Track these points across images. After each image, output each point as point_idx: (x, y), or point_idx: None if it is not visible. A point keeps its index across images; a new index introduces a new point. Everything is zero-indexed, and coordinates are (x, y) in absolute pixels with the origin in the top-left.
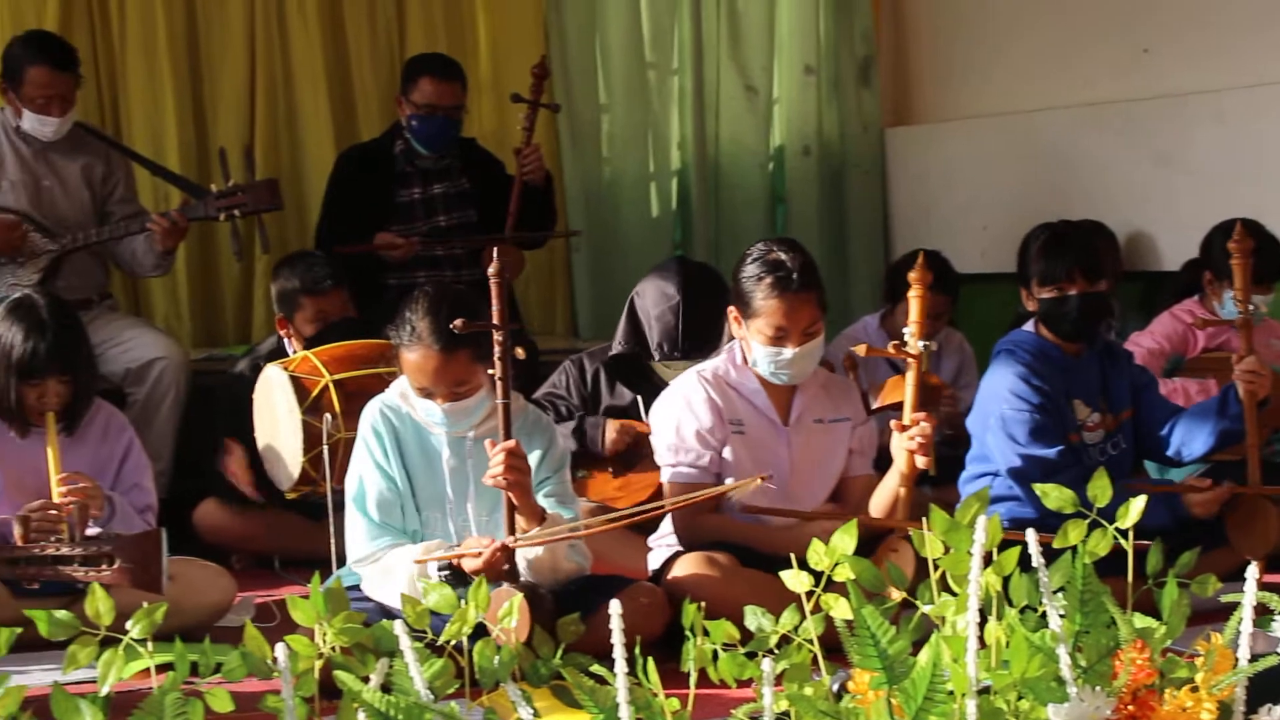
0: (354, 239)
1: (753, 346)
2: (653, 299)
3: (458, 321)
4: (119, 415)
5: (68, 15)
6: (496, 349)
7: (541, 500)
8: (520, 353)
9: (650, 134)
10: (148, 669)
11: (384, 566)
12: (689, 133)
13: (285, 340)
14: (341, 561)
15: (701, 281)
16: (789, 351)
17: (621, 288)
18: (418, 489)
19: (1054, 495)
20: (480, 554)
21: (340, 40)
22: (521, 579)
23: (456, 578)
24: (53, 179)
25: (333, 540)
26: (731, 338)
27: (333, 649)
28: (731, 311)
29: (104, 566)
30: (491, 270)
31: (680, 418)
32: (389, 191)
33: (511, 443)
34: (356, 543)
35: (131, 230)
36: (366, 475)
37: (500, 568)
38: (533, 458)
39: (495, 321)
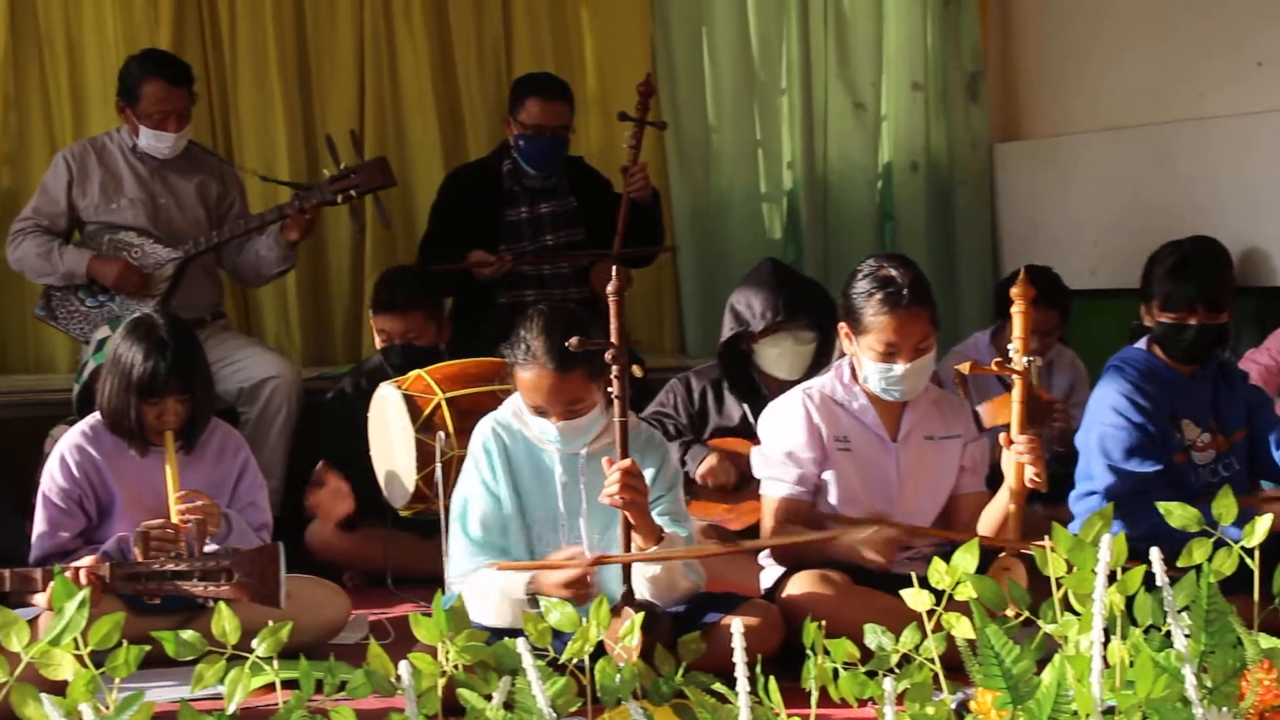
0: (458, 257)
1: (863, 363)
2: (746, 282)
3: (573, 340)
4: (235, 434)
5: (180, 38)
6: (614, 367)
7: (656, 518)
8: (639, 370)
9: (758, 152)
10: (271, 686)
11: (476, 585)
12: (797, 150)
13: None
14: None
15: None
16: (900, 368)
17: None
18: (529, 508)
19: (1178, 514)
20: (562, 564)
21: (448, 60)
22: (638, 598)
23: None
24: (169, 196)
25: (445, 558)
26: (841, 354)
27: (455, 667)
28: (842, 328)
29: (223, 581)
30: (610, 288)
31: (779, 434)
32: (497, 211)
33: (628, 461)
34: (457, 561)
35: (251, 226)
36: (471, 494)
37: (587, 588)
38: (646, 475)
39: (613, 340)
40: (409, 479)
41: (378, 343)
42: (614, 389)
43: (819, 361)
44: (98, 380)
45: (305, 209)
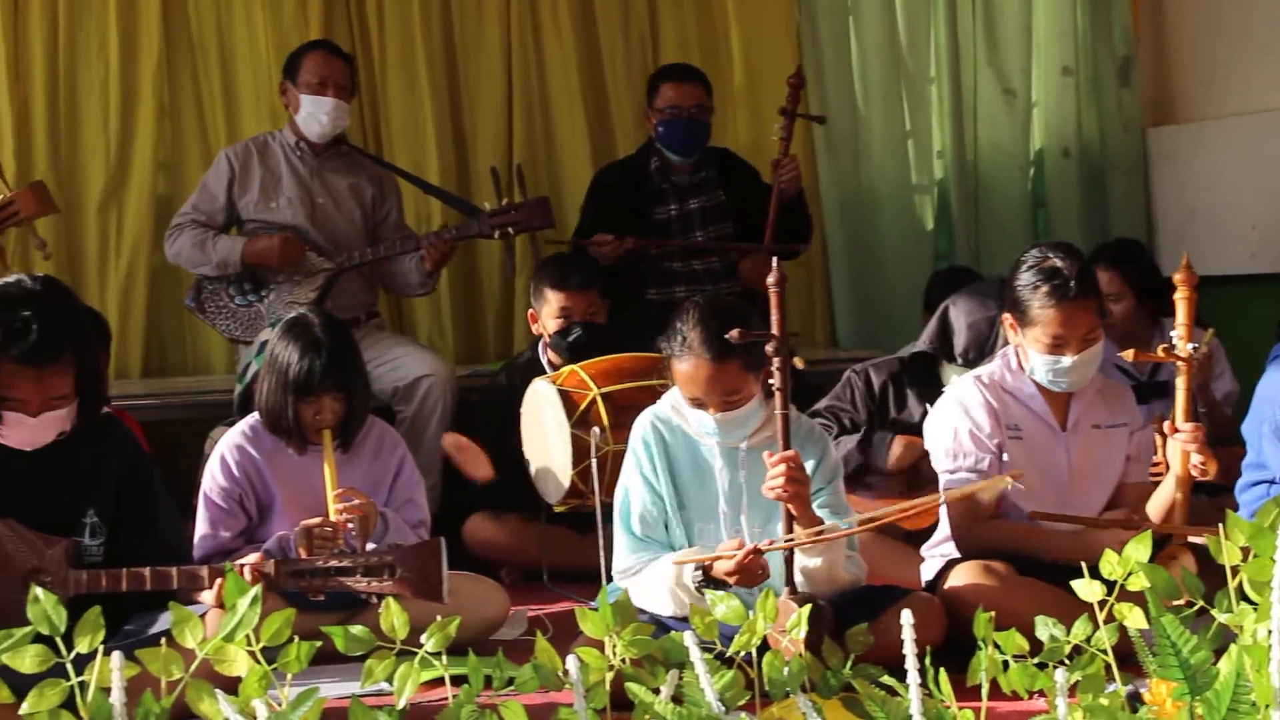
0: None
1: (1029, 354)
2: (968, 308)
3: (734, 332)
4: (392, 432)
5: (328, 38)
6: (776, 359)
7: (817, 510)
8: (799, 362)
9: (908, 142)
10: (439, 681)
11: (644, 578)
12: (947, 139)
13: (539, 347)
14: (610, 575)
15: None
16: (1068, 360)
17: (881, 297)
18: (689, 501)
19: None
20: (733, 556)
21: (595, 58)
22: (799, 590)
23: (713, 586)
24: (326, 196)
25: (601, 553)
26: (1006, 342)
27: (623, 660)
28: (1006, 319)
29: (386, 577)
30: (771, 280)
31: (957, 421)
32: (646, 208)
33: (791, 453)
34: (619, 556)
35: (406, 249)
36: (632, 489)
37: (754, 572)
38: (806, 468)
39: (774, 331)
40: (564, 474)
41: (551, 325)
42: (775, 381)
43: None
44: (258, 380)
45: (443, 241)
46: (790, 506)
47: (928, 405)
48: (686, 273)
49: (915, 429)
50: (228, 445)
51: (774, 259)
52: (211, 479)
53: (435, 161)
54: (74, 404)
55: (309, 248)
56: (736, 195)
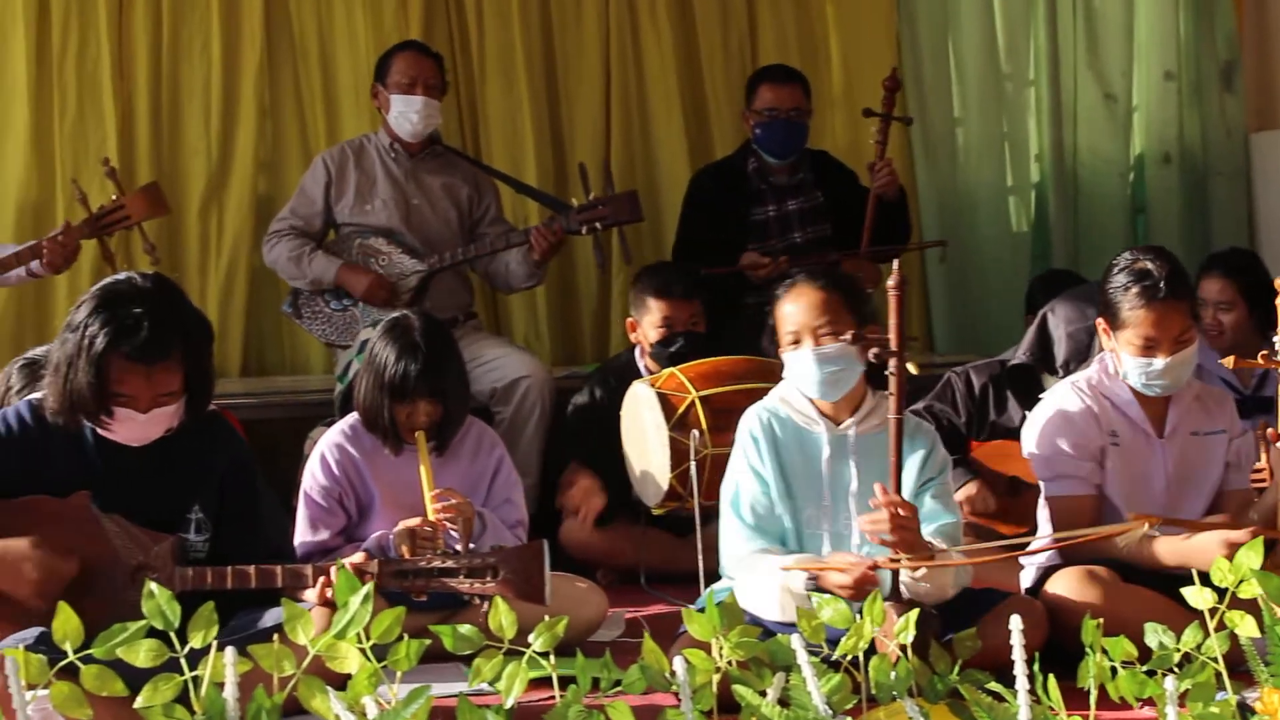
0: (711, 257)
1: (1122, 358)
2: (1066, 316)
3: (847, 335)
4: (490, 432)
5: (428, 40)
6: (891, 363)
7: (929, 502)
8: (914, 368)
9: (1006, 145)
10: (545, 681)
11: (751, 581)
12: (1046, 143)
13: (636, 351)
14: (709, 578)
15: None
16: (1160, 362)
17: (978, 301)
18: (796, 489)
19: None
20: (845, 569)
21: (693, 59)
22: (905, 597)
23: (821, 591)
24: (421, 197)
25: (700, 556)
26: (1101, 349)
27: (729, 663)
28: (1100, 323)
29: (488, 579)
30: (892, 283)
31: (1057, 429)
32: (744, 210)
33: (898, 498)
34: (730, 545)
35: (497, 247)
36: (742, 480)
37: (868, 589)
38: (914, 459)
39: (892, 335)
40: (663, 477)
41: (652, 335)
42: (890, 388)
43: None
44: (357, 379)
45: (552, 231)
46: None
47: (1027, 411)
48: (783, 275)
49: (1014, 433)
50: (328, 444)
51: (894, 261)
52: (312, 477)
53: (533, 162)
54: (182, 401)
55: (399, 250)
56: (834, 197)
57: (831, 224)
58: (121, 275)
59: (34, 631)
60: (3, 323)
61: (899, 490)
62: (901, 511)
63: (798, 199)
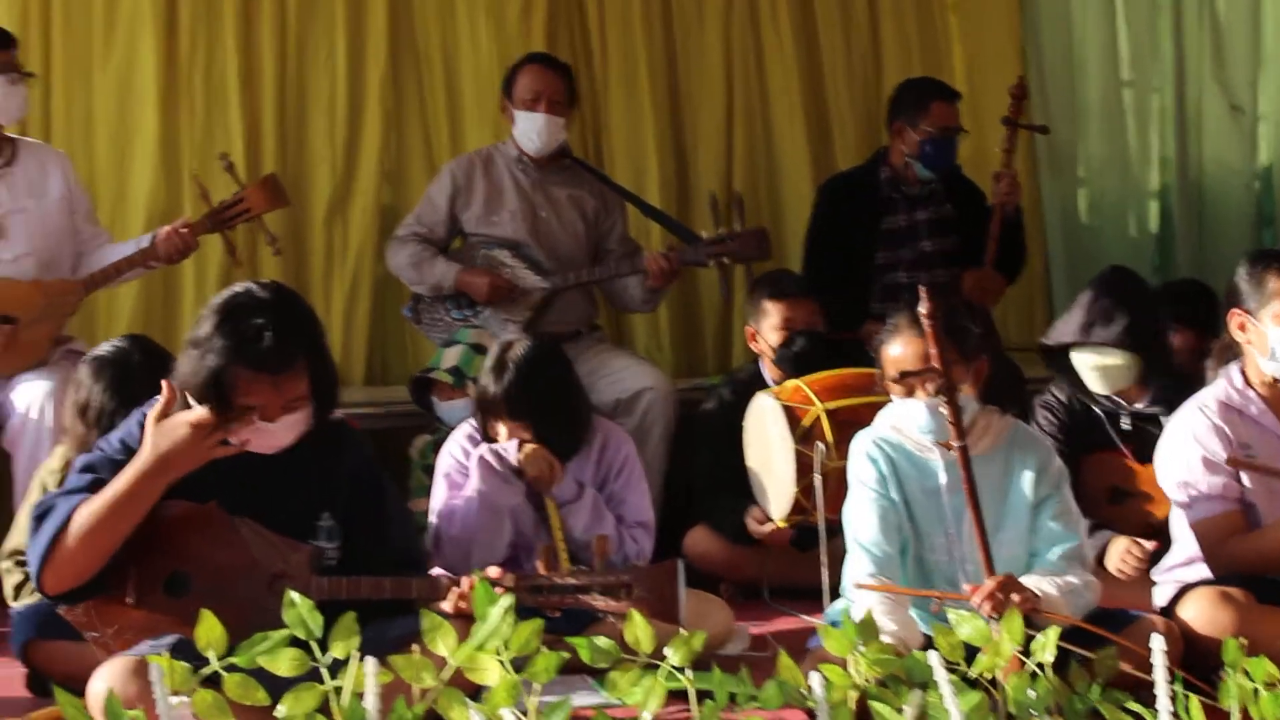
0: (842, 266)
1: (1268, 336)
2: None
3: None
4: (619, 432)
5: (551, 50)
6: (942, 396)
7: (1048, 525)
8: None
9: (1129, 155)
10: (680, 696)
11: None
12: (1170, 152)
13: (760, 362)
14: (834, 593)
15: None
16: None
17: None
18: (918, 516)
19: None
20: (946, 595)
21: (816, 68)
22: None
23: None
24: (549, 210)
25: (824, 570)
26: (1226, 360)
27: (866, 680)
28: (1233, 317)
29: (623, 596)
30: (923, 310)
31: (1188, 450)
32: (876, 219)
33: (995, 582)
34: (851, 570)
35: (621, 272)
36: (861, 505)
37: (1004, 600)
38: (1027, 476)
39: (935, 365)
40: (787, 490)
41: (773, 338)
42: (947, 413)
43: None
44: (431, 373)
45: (671, 263)
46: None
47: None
48: (910, 286)
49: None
50: (462, 434)
51: (921, 289)
52: (451, 458)
53: (655, 174)
54: (310, 407)
55: (524, 265)
56: (962, 210)
57: (959, 236)
58: (240, 287)
59: (169, 639)
60: (131, 317)
61: (976, 516)
62: (1000, 595)
63: (928, 209)
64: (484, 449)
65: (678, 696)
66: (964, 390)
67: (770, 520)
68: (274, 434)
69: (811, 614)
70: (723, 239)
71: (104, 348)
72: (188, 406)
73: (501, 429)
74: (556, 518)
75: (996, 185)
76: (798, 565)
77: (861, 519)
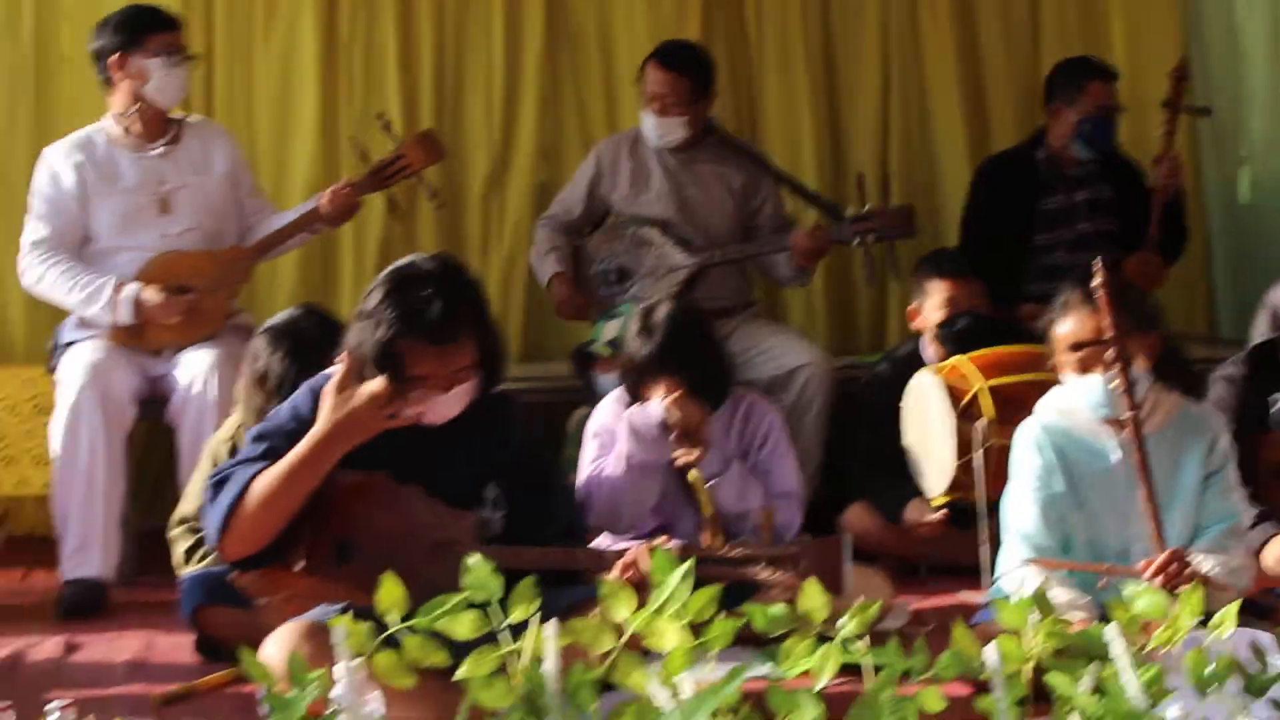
0: (998, 247)
1: None
2: None
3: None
4: (763, 402)
5: (708, 31)
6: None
7: (1212, 500)
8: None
9: None
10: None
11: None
12: None
13: (920, 340)
14: (992, 571)
15: None
16: None
17: (1265, 292)
18: (1090, 499)
19: None
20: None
21: (974, 48)
22: None
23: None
24: (695, 187)
25: (983, 548)
26: None
27: (1042, 652)
28: None
29: (789, 569)
30: (1097, 280)
31: None
32: (1033, 199)
33: (1166, 556)
34: (1006, 559)
35: (767, 250)
36: (1021, 495)
37: (1176, 576)
38: (1197, 453)
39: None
40: (947, 467)
41: (935, 317)
42: (1120, 386)
43: None
44: (591, 346)
45: (818, 241)
46: None
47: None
48: (1069, 265)
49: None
50: (612, 398)
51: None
52: (599, 423)
53: (810, 155)
54: (478, 377)
55: (671, 242)
56: (1120, 192)
57: (1117, 218)
58: (407, 260)
59: (338, 606)
60: (290, 284)
61: (1148, 489)
62: (1172, 570)
63: (1086, 190)
64: (632, 410)
65: (845, 669)
66: (1139, 364)
67: (930, 514)
68: (443, 405)
69: (971, 592)
70: (867, 216)
71: (278, 318)
72: (360, 376)
73: (653, 390)
74: (704, 493)
75: (1158, 169)
76: (955, 544)
77: (1022, 510)
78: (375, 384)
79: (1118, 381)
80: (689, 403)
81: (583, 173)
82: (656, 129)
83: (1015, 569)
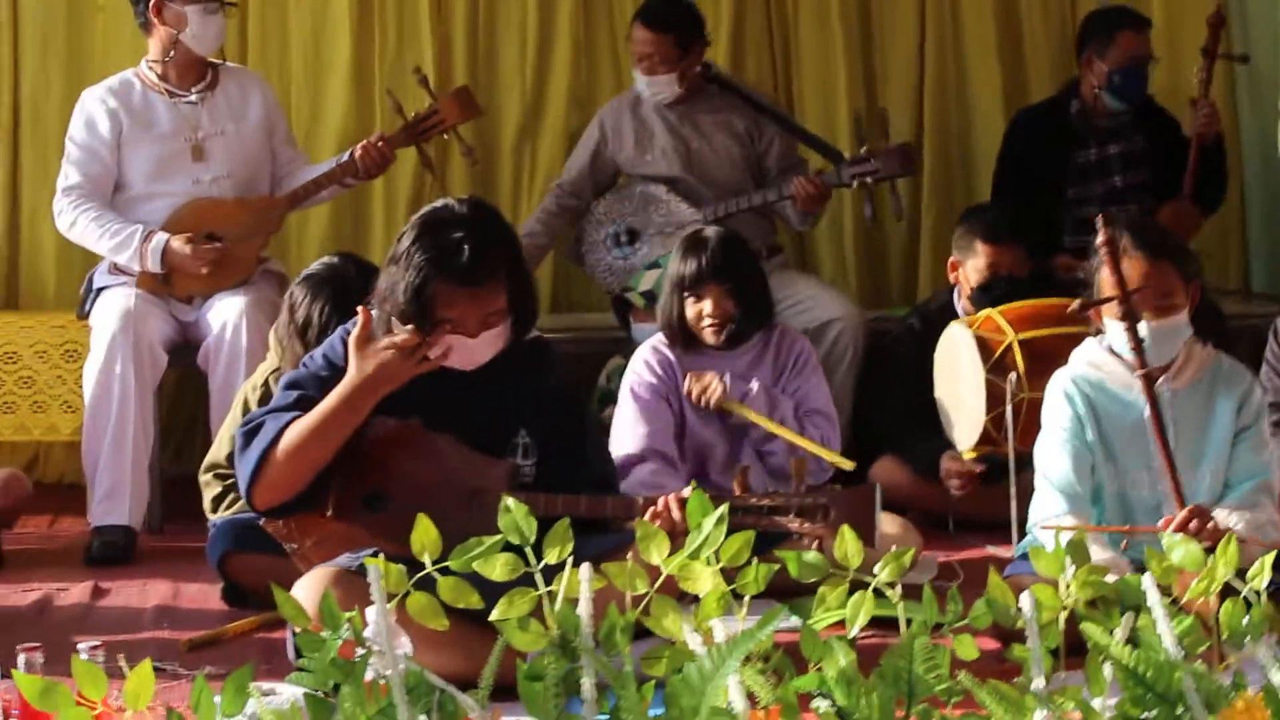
0: (1030, 200)
1: None
2: None
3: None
4: (793, 330)
5: None
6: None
7: (1243, 454)
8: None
9: None
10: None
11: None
12: None
13: (954, 292)
14: (1021, 526)
15: None
16: None
17: None
18: (1120, 452)
19: None
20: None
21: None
22: None
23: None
24: (699, 140)
25: (1013, 502)
26: None
27: (1077, 602)
28: None
29: (818, 519)
30: (1101, 240)
31: None
32: (1066, 153)
33: (1186, 513)
34: (1039, 507)
35: (770, 200)
36: (1053, 443)
37: (1200, 531)
38: (1228, 407)
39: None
40: (977, 420)
41: (974, 278)
42: (1127, 339)
43: None
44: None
45: (813, 184)
46: None
47: None
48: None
49: None
50: (647, 348)
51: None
52: (636, 376)
53: (845, 106)
54: (509, 321)
55: (677, 198)
56: (1155, 143)
57: (1150, 170)
58: (439, 203)
59: (367, 552)
60: (321, 237)
61: (1163, 445)
62: (1193, 526)
63: (1119, 143)
64: (655, 338)
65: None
66: (1181, 314)
67: (967, 465)
68: (473, 349)
69: (998, 546)
70: (864, 158)
71: (316, 266)
72: (387, 325)
73: (701, 305)
74: (741, 407)
75: (1194, 114)
76: (984, 498)
77: (1053, 459)
78: (401, 334)
79: (1127, 337)
80: (728, 302)
81: (587, 139)
82: (648, 88)
83: (1047, 518)
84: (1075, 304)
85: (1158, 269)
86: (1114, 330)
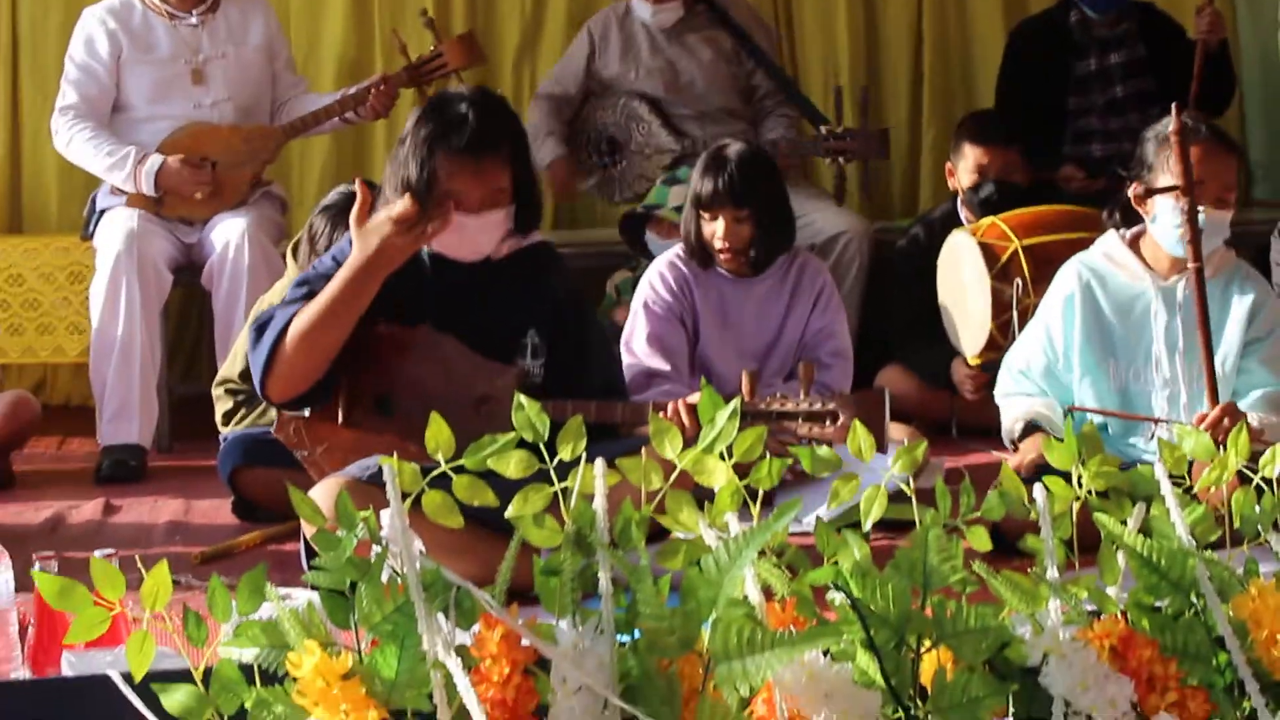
0: (1034, 112)
1: None
2: None
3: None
4: (815, 262)
5: None
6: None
7: (1255, 367)
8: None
9: None
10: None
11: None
12: None
13: (957, 200)
14: None
15: None
16: None
17: None
18: (1122, 348)
19: None
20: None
21: None
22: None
23: None
24: (687, 59)
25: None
26: None
27: (1089, 492)
28: None
29: (827, 424)
30: (1172, 129)
31: None
32: (1065, 64)
33: (1220, 410)
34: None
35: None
36: (1034, 335)
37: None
38: (1241, 311)
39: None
40: (982, 327)
41: (965, 181)
42: (1184, 232)
43: None
44: (654, 210)
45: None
46: None
47: None
48: (1104, 130)
49: None
50: (663, 261)
51: (1174, 105)
52: (651, 289)
53: (844, 14)
54: (512, 208)
55: (659, 122)
56: (1157, 51)
57: (1154, 77)
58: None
59: (373, 461)
60: (323, 172)
61: (1205, 340)
62: (1226, 424)
63: (1119, 51)
64: (672, 251)
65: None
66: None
67: (978, 373)
68: (475, 234)
69: (1002, 451)
70: (842, 136)
71: (334, 196)
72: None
73: (719, 225)
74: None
75: (1198, 20)
76: (987, 406)
77: (1026, 346)
78: (400, 205)
79: (1186, 228)
80: (744, 228)
81: (578, 49)
82: (652, 15)
83: (1009, 395)
84: (1139, 188)
85: (1225, 162)
86: (1166, 220)
